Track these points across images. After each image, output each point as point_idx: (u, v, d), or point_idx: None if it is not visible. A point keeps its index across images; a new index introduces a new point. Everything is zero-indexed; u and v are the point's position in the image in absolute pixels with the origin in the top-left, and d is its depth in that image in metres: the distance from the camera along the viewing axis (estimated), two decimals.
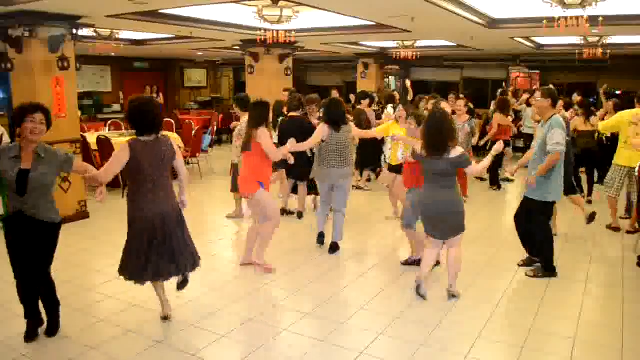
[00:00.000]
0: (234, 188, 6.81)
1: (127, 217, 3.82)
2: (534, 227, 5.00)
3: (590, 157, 7.82)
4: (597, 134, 7.99)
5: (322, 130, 5.47)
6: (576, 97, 9.83)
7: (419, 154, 4.39)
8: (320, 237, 5.92)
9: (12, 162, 3.48)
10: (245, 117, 6.47)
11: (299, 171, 6.78)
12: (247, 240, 5.31)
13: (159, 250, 3.77)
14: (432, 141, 4.23)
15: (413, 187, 4.93)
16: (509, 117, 9.03)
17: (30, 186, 3.48)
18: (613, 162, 6.40)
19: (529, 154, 5.09)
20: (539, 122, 5.43)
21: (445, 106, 6.57)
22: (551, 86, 5.46)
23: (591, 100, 10.22)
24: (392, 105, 8.65)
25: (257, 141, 4.85)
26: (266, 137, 4.85)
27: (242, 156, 5.15)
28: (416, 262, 5.03)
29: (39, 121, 3.52)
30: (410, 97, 11.58)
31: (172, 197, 3.88)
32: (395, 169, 6.07)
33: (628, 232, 6.24)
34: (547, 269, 5.00)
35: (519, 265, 5.25)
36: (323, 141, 5.51)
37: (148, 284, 3.94)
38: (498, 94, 11.04)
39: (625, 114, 6.26)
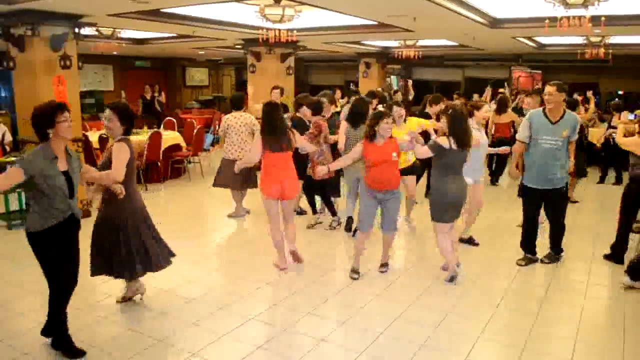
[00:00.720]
0: (239, 186, 6.89)
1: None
2: (559, 216, 5.29)
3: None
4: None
5: (344, 127, 5.94)
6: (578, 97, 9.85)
7: (447, 147, 4.57)
8: (349, 222, 6.26)
9: (54, 166, 3.31)
10: (237, 115, 6.59)
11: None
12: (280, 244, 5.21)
13: (154, 236, 4.24)
14: (464, 134, 4.58)
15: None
16: (506, 114, 8.89)
17: (74, 186, 3.46)
18: None
19: (519, 157, 5.35)
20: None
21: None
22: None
23: (595, 99, 10.25)
24: (382, 105, 7.65)
25: (295, 143, 5.10)
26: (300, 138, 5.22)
27: (273, 157, 4.94)
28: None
29: (70, 119, 3.41)
30: (411, 97, 11.57)
31: None
32: (404, 172, 5.84)
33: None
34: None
35: (520, 265, 5.26)
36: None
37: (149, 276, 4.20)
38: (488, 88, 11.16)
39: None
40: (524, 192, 5.35)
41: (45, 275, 3.49)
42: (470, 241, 5.88)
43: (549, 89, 4.97)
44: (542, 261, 5.33)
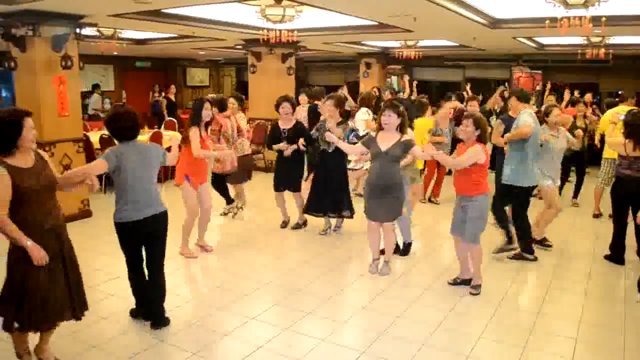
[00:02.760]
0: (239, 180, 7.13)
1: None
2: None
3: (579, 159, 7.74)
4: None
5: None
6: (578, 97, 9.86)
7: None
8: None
9: None
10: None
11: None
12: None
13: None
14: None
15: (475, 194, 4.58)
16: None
17: None
18: (602, 156, 6.87)
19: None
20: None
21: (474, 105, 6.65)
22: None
23: (595, 100, 10.26)
24: (367, 110, 7.63)
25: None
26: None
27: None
28: (465, 282, 4.79)
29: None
30: (407, 94, 11.48)
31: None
32: None
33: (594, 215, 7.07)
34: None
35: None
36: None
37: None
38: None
39: (608, 114, 6.73)
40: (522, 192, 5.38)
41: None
42: (542, 243, 5.78)
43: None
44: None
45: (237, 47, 11.49)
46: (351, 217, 6.18)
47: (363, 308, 4.35)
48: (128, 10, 6.55)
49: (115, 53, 13.63)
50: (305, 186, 6.50)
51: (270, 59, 10.41)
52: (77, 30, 6.74)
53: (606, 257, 5.47)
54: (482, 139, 4.48)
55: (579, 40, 9.62)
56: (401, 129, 4.82)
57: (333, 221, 6.36)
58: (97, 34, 8.86)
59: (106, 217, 5.95)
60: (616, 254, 5.39)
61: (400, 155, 4.81)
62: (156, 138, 8.82)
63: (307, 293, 4.69)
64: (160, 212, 3.82)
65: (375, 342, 3.78)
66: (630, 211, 5.27)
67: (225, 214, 7.10)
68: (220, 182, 6.94)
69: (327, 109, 6.04)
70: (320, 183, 6.08)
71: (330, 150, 5.90)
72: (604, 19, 5.65)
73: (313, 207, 6.18)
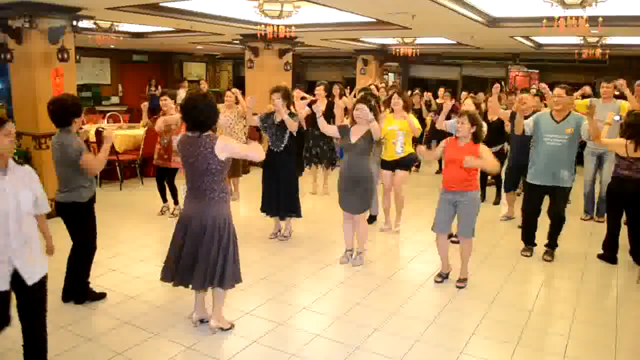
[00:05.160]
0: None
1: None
2: (558, 211, 5.42)
3: None
4: None
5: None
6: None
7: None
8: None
9: None
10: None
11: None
12: None
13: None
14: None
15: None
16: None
17: None
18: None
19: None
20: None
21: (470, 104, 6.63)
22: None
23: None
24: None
25: None
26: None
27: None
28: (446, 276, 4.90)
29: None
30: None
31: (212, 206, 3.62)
32: (392, 165, 6.07)
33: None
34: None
35: (526, 256, 5.55)
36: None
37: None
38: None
39: (582, 102, 6.89)
40: (528, 187, 5.52)
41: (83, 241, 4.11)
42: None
43: (558, 91, 5.24)
44: (545, 260, 5.42)
45: (235, 41, 11.47)
46: (298, 216, 5.90)
47: (358, 304, 4.37)
48: (125, 3, 6.54)
49: (112, 46, 13.59)
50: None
51: (268, 55, 10.41)
52: (74, 23, 6.73)
53: (599, 257, 5.51)
54: (477, 136, 4.53)
55: (576, 40, 9.65)
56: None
57: (283, 224, 6.04)
58: (94, 26, 8.83)
59: (102, 210, 5.99)
60: (609, 253, 5.43)
61: (368, 146, 5.02)
62: (152, 132, 8.77)
63: (303, 289, 4.71)
64: None
65: (369, 337, 3.80)
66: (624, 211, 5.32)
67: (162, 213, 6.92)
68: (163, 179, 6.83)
69: (274, 102, 5.51)
70: (268, 183, 5.76)
71: (277, 150, 5.61)
72: (600, 19, 5.69)
73: (264, 206, 5.88)
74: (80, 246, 4.15)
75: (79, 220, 4.09)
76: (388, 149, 6.06)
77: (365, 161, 5.04)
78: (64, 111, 3.92)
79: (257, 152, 3.71)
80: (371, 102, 5.05)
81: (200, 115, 3.48)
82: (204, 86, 11.97)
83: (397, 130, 5.94)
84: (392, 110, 6.07)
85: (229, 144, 3.57)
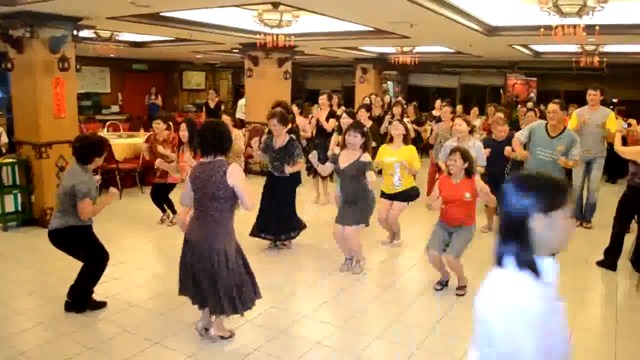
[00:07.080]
0: None
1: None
2: None
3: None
4: None
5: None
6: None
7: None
8: None
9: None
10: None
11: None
12: None
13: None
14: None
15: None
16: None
17: None
18: None
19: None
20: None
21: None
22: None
23: None
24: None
25: None
26: None
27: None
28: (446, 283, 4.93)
29: None
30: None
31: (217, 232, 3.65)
32: (390, 197, 5.79)
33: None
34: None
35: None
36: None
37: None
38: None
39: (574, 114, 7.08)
40: None
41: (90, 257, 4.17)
42: None
43: (552, 106, 5.37)
44: None
45: (234, 50, 11.52)
46: (301, 230, 5.91)
47: (358, 312, 4.37)
48: (126, 13, 6.58)
49: (111, 55, 13.64)
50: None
51: (267, 64, 10.44)
52: (75, 32, 6.76)
53: (599, 263, 5.51)
54: (470, 172, 4.52)
55: (573, 48, 9.71)
56: (365, 148, 4.98)
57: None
58: (95, 36, 8.87)
59: (105, 221, 6.00)
60: (610, 260, 5.42)
61: (357, 174, 4.91)
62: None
63: (303, 297, 4.71)
64: None
65: (369, 345, 3.80)
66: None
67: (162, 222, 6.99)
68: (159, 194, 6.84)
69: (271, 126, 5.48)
70: (267, 206, 5.64)
71: (277, 174, 5.57)
72: (597, 27, 5.73)
73: (259, 227, 5.70)
74: (89, 262, 4.21)
75: (80, 241, 4.16)
76: (386, 182, 5.79)
77: (358, 184, 4.97)
78: (87, 151, 4.08)
79: (253, 200, 3.73)
80: (363, 127, 5.04)
81: (214, 139, 3.59)
82: (215, 97, 11.75)
83: (394, 162, 5.60)
84: (391, 139, 5.80)
85: (241, 172, 3.64)
